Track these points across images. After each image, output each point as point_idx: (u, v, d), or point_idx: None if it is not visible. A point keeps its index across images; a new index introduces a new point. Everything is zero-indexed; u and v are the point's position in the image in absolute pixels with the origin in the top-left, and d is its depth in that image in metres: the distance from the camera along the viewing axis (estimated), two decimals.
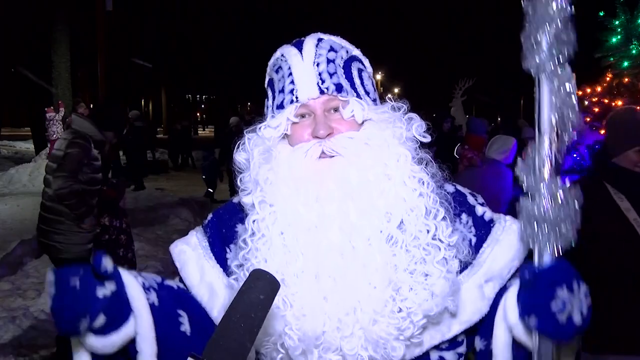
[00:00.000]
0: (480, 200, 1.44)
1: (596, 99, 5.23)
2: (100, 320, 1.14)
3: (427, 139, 1.36)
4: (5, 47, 20.70)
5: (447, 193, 1.37)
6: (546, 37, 1.12)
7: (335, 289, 1.21)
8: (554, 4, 1.11)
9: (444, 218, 1.28)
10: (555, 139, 1.14)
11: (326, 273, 1.22)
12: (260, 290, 0.97)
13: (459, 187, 1.45)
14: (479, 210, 1.41)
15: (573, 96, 1.13)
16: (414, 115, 1.38)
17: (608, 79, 5.23)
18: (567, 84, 1.13)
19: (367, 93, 1.39)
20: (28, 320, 5.59)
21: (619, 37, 5.01)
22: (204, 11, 28.63)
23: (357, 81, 1.38)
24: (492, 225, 1.39)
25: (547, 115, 1.13)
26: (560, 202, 1.10)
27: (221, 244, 1.46)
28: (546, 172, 1.12)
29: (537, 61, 1.13)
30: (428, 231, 1.25)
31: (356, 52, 1.45)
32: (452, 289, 1.24)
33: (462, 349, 1.38)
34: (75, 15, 18.34)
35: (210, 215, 1.56)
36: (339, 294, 1.21)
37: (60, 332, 1.13)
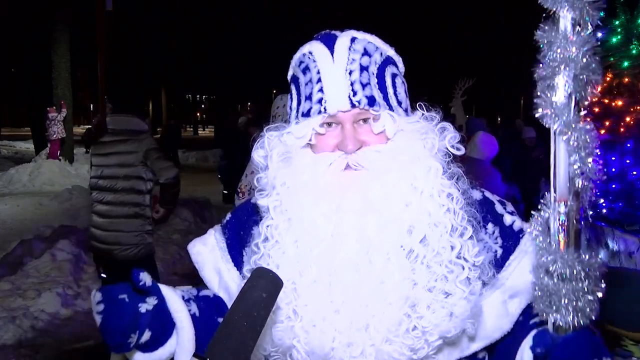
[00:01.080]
0: (510, 208, 1.35)
1: (596, 99, 5.22)
2: (146, 335, 1.14)
3: (461, 150, 1.28)
4: (5, 47, 20.70)
5: (474, 200, 1.29)
6: (566, 79, 0.95)
7: (348, 303, 1.15)
8: (577, 38, 0.93)
9: (470, 237, 1.20)
10: (574, 203, 0.98)
11: (340, 286, 1.16)
12: (262, 289, 0.96)
13: (487, 194, 1.37)
14: (508, 219, 1.32)
15: (592, 154, 0.97)
16: (447, 124, 1.29)
17: (608, 79, 5.23)
18: (587, 140, 0.96)
19: (400, 103, 1.31)
20: (28, 320, 5.59)
21: (619, 37, 5.00)
22: (204, 11, 28.63)
23: (390, 91, 1.29)
24: (521, 235, 1.30)
25: (563, 179, 0.98)
26: (579, 276, 0.98)
27: (239, 247, 1.41)
28: (563, 242, 1.00)
29: (553, 110, 0.96)
30: (452, 248, 1.18)
31: (391, 52, 1.35)
32: (473, 311, 1.16)
33: None
34: (75, 15, 18.35)
35: (229, 215, 1.51)
36: (351, 308, 1.15)
37: (112, 349, 1.14)
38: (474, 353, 1.26)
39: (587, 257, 0.99)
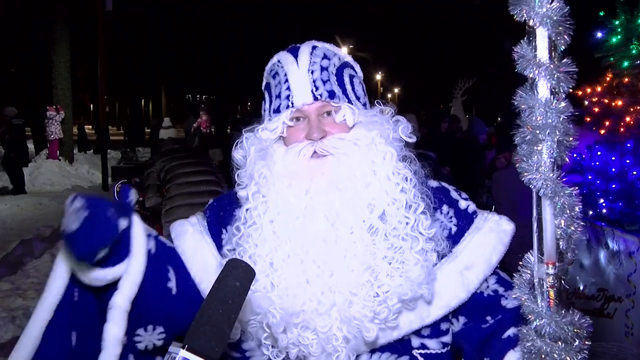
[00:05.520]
0: (465, 195, 1.53)
1: (596, 99, 5.22)
2: (106, 251, 1.20)
3: (413, 139, 1.47)
4: (5, 47, 20.71)
5: (430, 188, 1.45)
6: (549, 144, 1.00)
7: (317, 273, 1.30)
8: (556, 105, 1.00)
9: (423, 212, 1.37)
10: (559, 264, 1.03)
11: (310, 258, 1.31)
12: (236, 278, 1.03)
13: (444, 184, 1.54)
14: (462, 204, 1.49)
15: (577, 217, 1.02)
16: (400, 117, 1.50)
17: (608, 79, 5.22)
18: (572, 202, 1.01)
19: (358, 98, 1.49)
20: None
21: (619, 37, 5.00)
22: (204, 11, 28.64)
23: (348, 87, 1.48)
24: (474, 216, 1.48)
25: (550, 241, 1.03)
26: (571, 336, 1.03)
27: (218, 224, 1.56)
28: (553, 304, 1.04)
29: (540, 176, 1.01)
30: (407, 223, 1.34)
31: (348, 58, 1.54)
32: (428, 277, 1.31)
33: (446, 338, 1.42)
34: (75, 15, 18.35)
35: (211, 200, 1.66)
36: (320, 277, 1.30)
37: (78, 258, 1.17)
38: (436, 323, 1.39)
39: (576, 317, 1.04)
